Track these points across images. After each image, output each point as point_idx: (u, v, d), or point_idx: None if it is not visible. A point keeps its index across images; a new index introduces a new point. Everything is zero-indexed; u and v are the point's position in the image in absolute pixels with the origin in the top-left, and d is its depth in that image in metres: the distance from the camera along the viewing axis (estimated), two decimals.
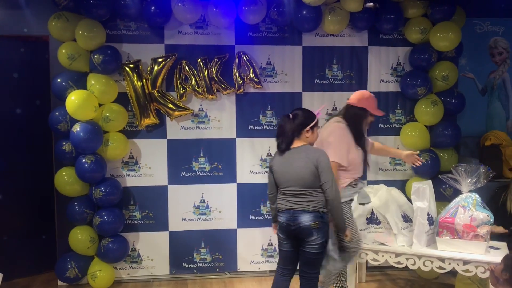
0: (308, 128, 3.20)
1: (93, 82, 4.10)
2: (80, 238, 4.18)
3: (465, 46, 4.59)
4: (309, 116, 3.24)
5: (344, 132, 3.53)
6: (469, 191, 3.65)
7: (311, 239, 3.08)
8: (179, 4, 4.12)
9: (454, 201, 3.64)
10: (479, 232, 3.50)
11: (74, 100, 3.96)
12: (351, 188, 3.57)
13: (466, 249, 3.48)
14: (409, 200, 3.73)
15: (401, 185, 4.57)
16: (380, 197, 3.70)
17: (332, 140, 3.49)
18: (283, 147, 3.20)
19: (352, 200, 3.59)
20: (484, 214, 3.53)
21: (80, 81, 4.13)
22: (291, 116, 3.22)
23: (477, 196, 3.64)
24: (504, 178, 4.51)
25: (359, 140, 3.57)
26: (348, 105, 3.63)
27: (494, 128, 4.86)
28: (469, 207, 3.54)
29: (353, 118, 3.57)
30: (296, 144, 3.19)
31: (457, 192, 3.64)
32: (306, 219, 3.08)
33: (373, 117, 3.69)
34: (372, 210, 3.68)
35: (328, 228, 3.19)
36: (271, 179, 3.30)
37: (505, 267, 2.36)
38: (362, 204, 3.67)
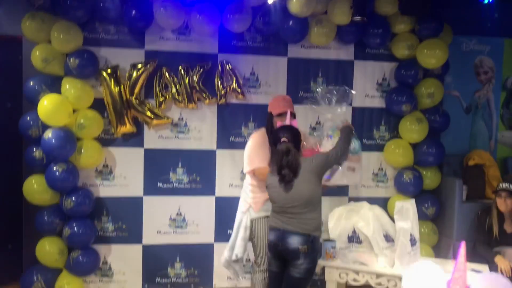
0: (302, 143, 3.23)
1: (67, 86, 3.95)
2: (48, 249, 4.02)
3: (451, 63, 4.56)
4: (296, 135, 3.17)
5: (261, 138, 3.51)
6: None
7: (297, 263, 2.99)
8: (162, 9, 4.00)
9: (317, 133, 3.59)
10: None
11: (46, 105, 3.82)
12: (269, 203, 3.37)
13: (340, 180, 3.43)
14: (392, 218, 3.65)
15: (383, 202, 4.49)
16: (362, 215, 3.63)
17: (250, 148, 3.51)
18: (289, 179, 3.03)
19: (268, 216, 3.39)
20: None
21: (54, 85, 3.98)
22: (287, 151, 3.04)
23: None
24: (486, 198, 4.48)
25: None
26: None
27: (477, 148, 4.84)
28: (333, 136, 3.39)
29: (267, 124, 3.59)
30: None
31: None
32: (295, 242, 2.99)
33: (279, 118, 3.45)
34: (354, 228, 3.61)
35: (317, 255, 3.09)
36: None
37: None
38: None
